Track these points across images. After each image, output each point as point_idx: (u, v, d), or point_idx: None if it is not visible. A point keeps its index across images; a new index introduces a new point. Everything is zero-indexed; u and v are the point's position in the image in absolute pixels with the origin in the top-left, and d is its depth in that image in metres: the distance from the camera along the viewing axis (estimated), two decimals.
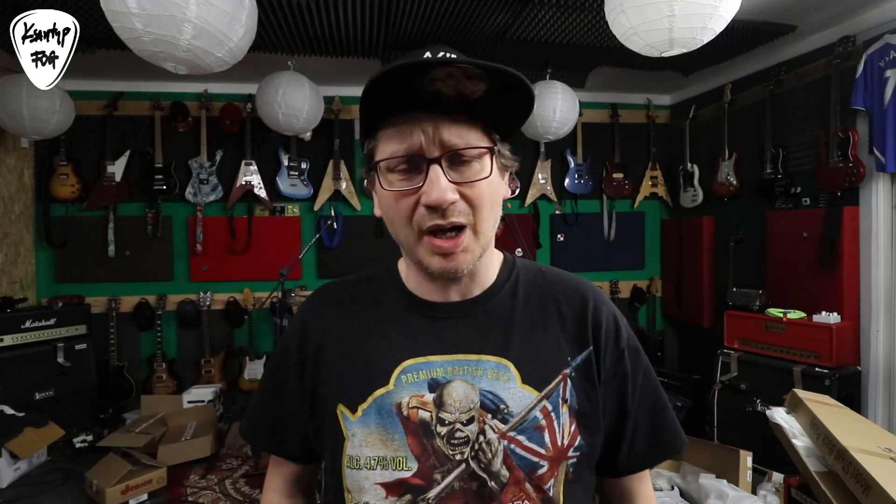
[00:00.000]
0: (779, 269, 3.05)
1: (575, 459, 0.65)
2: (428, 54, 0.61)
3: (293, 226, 3.78)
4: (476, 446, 0.62)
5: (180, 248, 3.69)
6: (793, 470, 1.71)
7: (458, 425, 0.63)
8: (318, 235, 3.43)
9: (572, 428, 0.65)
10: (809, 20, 2.70)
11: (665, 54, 1.95)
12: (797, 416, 1.68)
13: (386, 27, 2.70)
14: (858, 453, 1.38)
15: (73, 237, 3.53)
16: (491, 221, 0.65)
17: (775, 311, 2.80)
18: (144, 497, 2.46)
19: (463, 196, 0.61)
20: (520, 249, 3.49)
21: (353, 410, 0.65)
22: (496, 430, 0.63)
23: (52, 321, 3.12)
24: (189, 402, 3.21)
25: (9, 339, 2.94)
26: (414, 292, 0.71)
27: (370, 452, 0.63)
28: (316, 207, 3.75)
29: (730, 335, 3.01)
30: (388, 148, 0.62)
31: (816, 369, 2.52)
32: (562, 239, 4.08)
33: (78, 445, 2.93)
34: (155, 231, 3.58)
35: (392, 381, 0.65)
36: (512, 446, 0.63)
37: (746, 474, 2.26)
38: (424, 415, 0.63)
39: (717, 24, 1.79)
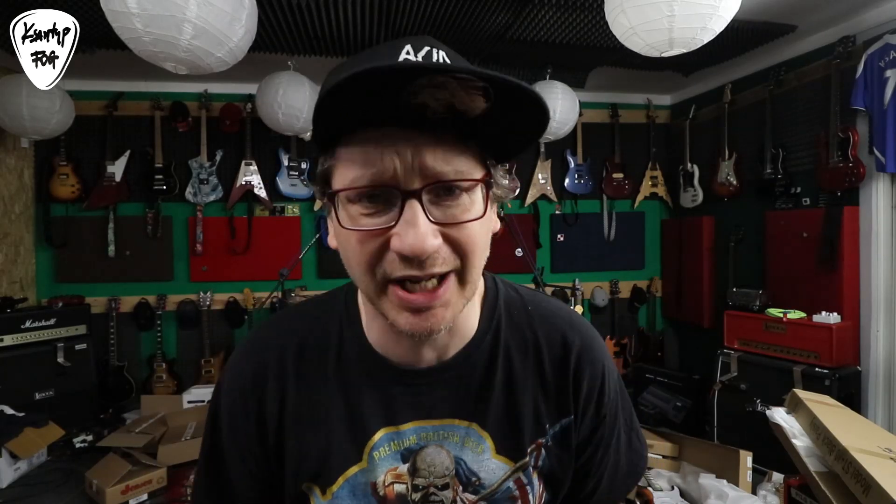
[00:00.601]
0: (779, 269, 3.05)
1: None
2: (408, 48, 0.47)
3: (293, 226, 3.78)
4: None
5: (180, 248, 3.69)
6: (793, 470, 1.71)
7: (433, 489, 0.58)
8: (318, 235, 3.43)
9: (541, 490, 0.62)
10: (809, 20, 2.70)
11: (665, 54, 1.95)
12: (797, 416, 1.68)
13: (386, 27, 2.70)
14: (858, 453, 1.38)
15: (73, 237, 3.53)
16: (480, 267, 0.52)
17: (775, 311, 2.80)
18: (144, 497, 2.46)
19: (447, 239, 0.48)
20: (520, 250, 3.49)
21: (322, 492, 0.58)
22: (466, 502, 0.59)
23: (52, 321, 3.12)
24: (189, 402, 3.21)
25: (9, 339, 2.94)
26: (380, 352, 0.59)
27: None
28: (316, 207, 3.75)
29: (730, 335, 3.01)
30: (350, 173, 0.47)
31: (816, 369, 2.52)
32: (562, 239, 4.08)
33: (78, 445, 2.93)
34: (155, 231, 3.58)
35: (365, 458, 0.58)
36: None
37: (746, 474, 2.26)
38: (400, 488, 0.58)
39: (717, 24, 1.79)
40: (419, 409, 0.59)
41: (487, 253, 0.52)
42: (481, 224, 0.50)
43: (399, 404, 0.59)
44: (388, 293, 0.49)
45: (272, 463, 0.60)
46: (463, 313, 0.56)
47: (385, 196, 0.47)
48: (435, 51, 0.48)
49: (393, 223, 0.46)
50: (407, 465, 0.58)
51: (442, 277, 0.49)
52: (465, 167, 0.48)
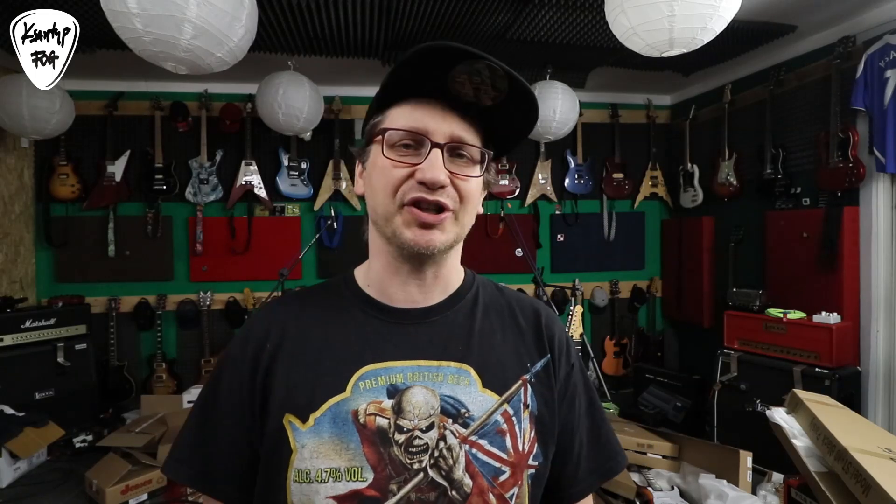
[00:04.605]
0: (779, 270, 3.05)
1: (533, 470, 0.65)
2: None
3: (293, 226, 3.78)
4: (436, 453, 0.60)
5: (180, 248, 3.69)
6: (793, 470, 1.71)
7: (417, 432, 0.61)
8: (318, 235, 3.43)
9: (532, 434, 0.65)
10: (809, 20, 2.70)
11: (665, 54, 1.95)
12: (797, 417, 1.68)
13: (386, 27, 2.70)
14: (858, 453, 1.38)
15: (73, 237, 3.53)
16: (470, 217, 0.67)
17: (775, 312, 2.80)
18: (144, 497, 2.46)
19: (453, 185, 0.63)
20: (520, 250, 3.49)
21: (304, 420, 0.61)
22: (457, 434, 0.61)
23: (52, 321, 3.12)
24: (189, 402, 3.20)
25: (9, 339, 2.94)
26: (374, 297, 0.69)
27: (322, 464, 0.59)
28: (316, 207, 3.75)
29: (730, 335, 3.01)
30: (400, 120, 0.64)
31: (816, 369, 2.52)
32: (562, 239, 4.08)
33: (78, 445, 2.93)
34: (155, 231, 3.58)
35: (349, 387, 0.62)
36: (474, 451, 0.62)
37: (746, 474, 2.26)
38: (382, 422, 0.61)
39: (717, 24, 1.79)
40: (407, 349, 0.65)
41: (474, 214, 0.68)
42: (476, 185, 0.66)
43: (388, 343, 0.66)
44: (403, 212, 0.63)
45: (256, 402, 0.64)
46: (447, 271, 0.70)
47: (418, 143, 0.63)
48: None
49: (420, 161, 0.62)
50: (391, 402, 0.62)
51: (443, 210, 0.63)
52: (473, 139, 0.65)
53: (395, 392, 0.62)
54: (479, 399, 0.64)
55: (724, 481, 2.21)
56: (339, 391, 0.62)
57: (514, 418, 0.64)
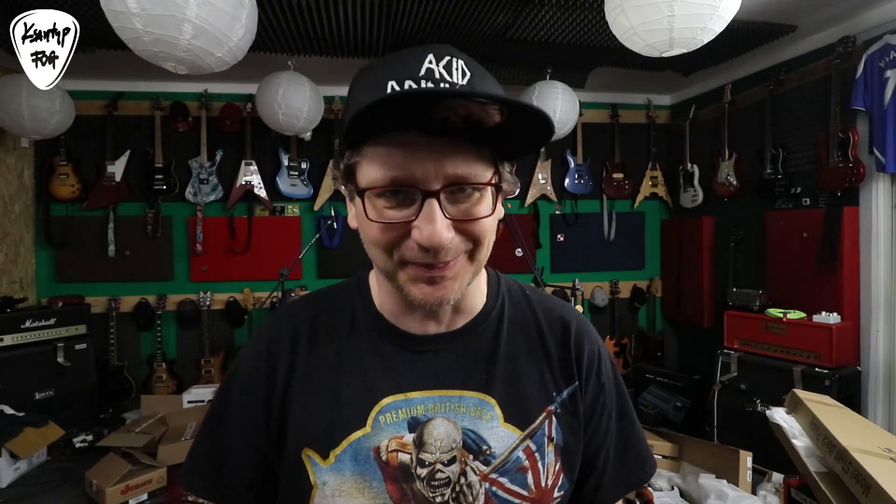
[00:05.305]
0: (779, 270, 3.05)
1: (559, 499, 0.63)
2: (431, 57, 0.53)
3: (293, 226, 3.78)
4: (457, 488, 0.59)
5: (180, 248, 3.69)
6: (793, 470, 1.71)
7: (439, 465, 0.59)
8: (318, 235, 3.43)
9: (557, 467, 0.63)
10: (809, 20, 2.70)
11: (665, 54, 1.95)
12: (797, 417, 1.68)
13: (386, 27, 2.70)
14: (858, 453, 1.38)
15: (73, 237, 3.53)
16: (487, 250, 0.59)
17: (775, 312, 2.80)
18: (144, 497, 2.46)
19: (460, 231, 0.54)
20: (520, 250, 3.49)
21: (324, 456, 0.59)
22: (477, 472, 0.60)
23: (52, 321, 3.12)
24: (189, 402, 3.21)
25: (9, 339, 2.94)
26: (390, 320, 0.64)
27: (344, 503, 0.58)
28: (316, 207, 3.75)
29: (730, 335, 3.01)
30: (376, 172, 0.53)
31: (816, 369, 2.52)
32: (562, 239, 4.08)
33: (78, 445, 2.93)
34: (155, 231, 3.58)
35: (369, 423, 0.59)
36: (494, 489, 0.60)
37: (746, 474, 2.26)
38: (404, 457, 0.59)
39: (717, 24, 1.79)
40: (428, 379, 0.62)
41: (492, 241, 0.59)
42: (489, 221, 0.57)
43: (408, 372, 0.62)
44: (406, 269, 0.55)
45: (273, 430, 0.62)
46: (470, 296, 0.64)
47: (407, 192, 0.53)
48: (455, 60, 0.54)
49: (413, 217, 0.52)
50: (413, 436, 0.60)
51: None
52: (478, 171, 0.54)
53: (416, 425, 0.60)
54: (500, 434, 0.61)
55: (724, 481, 2.21)
56: (359, 426, 0.59)
57: (536, 454, 0.62)
